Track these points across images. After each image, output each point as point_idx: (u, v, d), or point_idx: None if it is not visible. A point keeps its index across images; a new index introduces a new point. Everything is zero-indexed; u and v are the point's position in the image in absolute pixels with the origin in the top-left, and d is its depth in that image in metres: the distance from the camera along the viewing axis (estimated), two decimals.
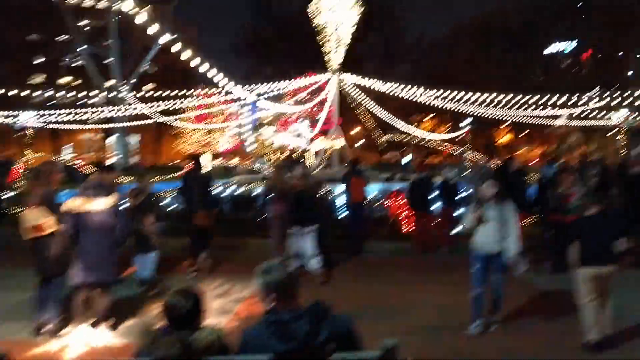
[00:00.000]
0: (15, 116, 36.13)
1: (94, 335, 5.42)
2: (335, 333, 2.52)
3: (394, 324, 5.88)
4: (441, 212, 10.15)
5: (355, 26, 23.15)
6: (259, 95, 21.98)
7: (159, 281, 7.18)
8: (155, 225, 7.30)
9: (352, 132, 43.53)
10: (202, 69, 11.29)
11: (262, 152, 39.23)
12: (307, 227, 7.75)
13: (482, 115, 26.04)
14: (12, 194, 13.94)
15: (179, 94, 23.29)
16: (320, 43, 23.61)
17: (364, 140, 45.98)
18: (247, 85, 21.08)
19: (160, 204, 10.58)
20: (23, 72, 47.36)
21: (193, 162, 8.50)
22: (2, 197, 12.67)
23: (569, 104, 21.17)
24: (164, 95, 22.59)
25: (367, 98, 26.80)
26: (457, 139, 38.08)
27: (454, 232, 9.81)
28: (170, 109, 25.33)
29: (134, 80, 35.63)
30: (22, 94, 19.96)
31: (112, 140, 39.44)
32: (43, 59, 49.18)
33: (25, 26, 43.60)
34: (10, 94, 17.44)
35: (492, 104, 21.76)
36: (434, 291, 7.31)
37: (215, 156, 39.74)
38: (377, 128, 33.61)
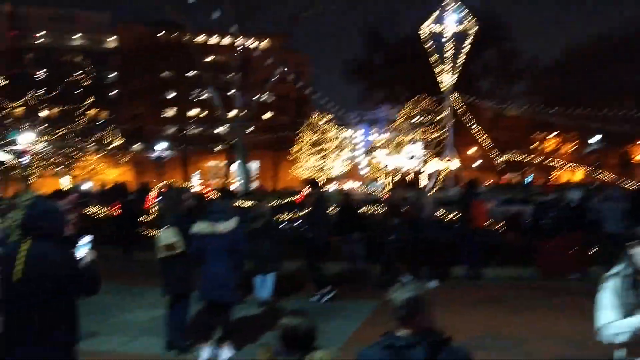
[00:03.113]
0: (151, 147, 39.80)
1: (218, 354, 5.71)
2: None
3: (514, 355, 5.54)
4: (568, 235, 9.44)
5: (469, 46, 22.68)
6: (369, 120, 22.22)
7: (276, 302, 7.42)
8: (275, 247, 7.58)
9: (468, 153, 42.27)
10: (315, 97, 11.65)
11: (376, 175, 39.33)
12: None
13: (614, 131, 24.07)
14: (148, 218, 15.26)
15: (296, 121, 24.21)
16: (433, 65, 23.41)
17: (480, 160, 44.41)
18: (359, 111, 21.40)
19: (279, 227, 10.96)
20: (157, 107, 52.11)
21: (310, 186, 8.71)
22: (140, 222, 13.88)
23: None
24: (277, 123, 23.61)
25: (481, 117, 26.00)
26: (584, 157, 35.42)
27: (583, 256, 9.08)
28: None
29: (253, 109, 37.63)
30: (157, 127, 21.89)
31: (234, 166, 41.93)
32: (174, 94, 53.61)
33: (157, 66, 48.03)
34: (146, 128, 19.37)
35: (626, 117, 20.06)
36: (560, 321, 6.78)
37: (329, 180, 40.54)
38: (495, 148, 32.35)
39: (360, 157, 42.68)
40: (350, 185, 41.41)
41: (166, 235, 5.70)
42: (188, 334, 6.00)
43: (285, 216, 11.83)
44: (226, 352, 5.75)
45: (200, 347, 5.75)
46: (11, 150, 25.99)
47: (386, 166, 37.84)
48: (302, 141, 39.55)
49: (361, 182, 40.86)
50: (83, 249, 3.64)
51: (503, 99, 23.38)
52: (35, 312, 3.33)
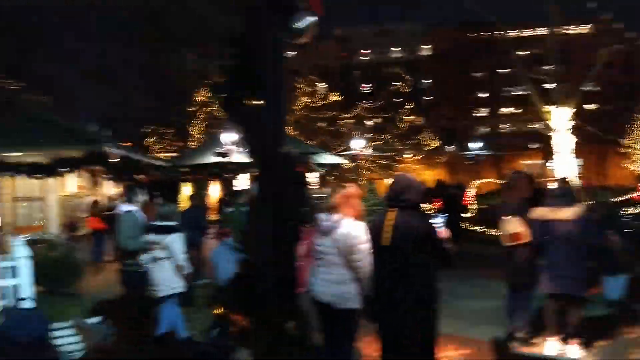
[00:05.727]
0: (465, 148, 40.32)
1: (563, 350, 5.35)
2: None
3: None
4: None
5: None
6: None
7: (629, 305, 6.55)
8: (621, 243, 6.73)
9: None
10: None
11: None
12: None
13: None
14: (467, 215, 15.56)
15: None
16: None
17: None
18: None
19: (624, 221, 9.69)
20: (470, 108, 52.48)
21: None
22: (461, 218, 14.24)
23: None
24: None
25: None
26: None
27: None
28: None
29: (575, 101, 34.41)
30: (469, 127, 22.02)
31: (554, 163, 39.10)
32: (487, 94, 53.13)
33: (469, 66, 48.34)
34: (460, 129, 19.65)
35: None
36: None
37: None
38: None
39: None
40: None
41: (511, 224, 5.60)
42: (530, 326, 5.79)
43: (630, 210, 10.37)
44: (574, 350, 5.34)
45: (547, 341, 5.48)
46: (346, 154, 29.82)
47: None
48: (637, 131, 34.32)
49: None
50: (439, 224, 3.88)
51: None
52: (401, 276, 3.71)
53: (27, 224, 11.21)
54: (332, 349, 4.00)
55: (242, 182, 20.72)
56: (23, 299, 3.79)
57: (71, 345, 3.48)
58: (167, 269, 5.89)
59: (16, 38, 32.20)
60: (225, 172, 18.54)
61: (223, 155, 18.58)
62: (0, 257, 7.62)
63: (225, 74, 2.34)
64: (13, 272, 7.19)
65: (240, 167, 19.53)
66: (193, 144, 33.59)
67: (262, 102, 2.39)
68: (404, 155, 40.61)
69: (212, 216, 14.29)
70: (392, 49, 63.38)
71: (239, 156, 19.36)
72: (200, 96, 34.90)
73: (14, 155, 10.29)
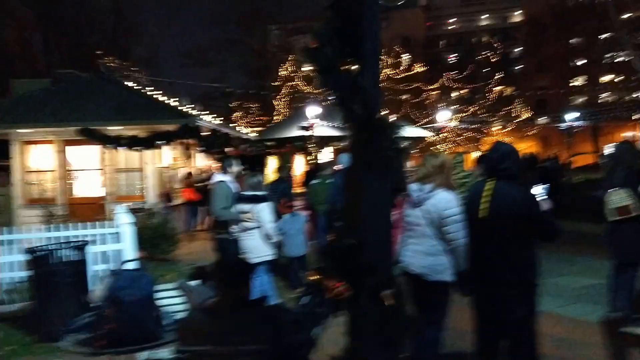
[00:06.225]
0: (559, 118, 38.10)
1: None
2: None
3: None
4: None
5: None
6: None
7: None
8: None
9: None
10: None
11: None
12: None
13: None
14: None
15: None
16: None
17: None
18: None
19: None
20: (565, 77, 49.26)
21: None
22: (560, 192, 13.53)
23: None
24: None
25: None
26: None
27: None
28: None
29: None
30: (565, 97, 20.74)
31: None
32: (584, 61, 49.67)
33: (565, 33, 45.24)
34: (553, 99, 18.46)
35: None
36: None
37: None
38: None
39: None
40: None
41: (618, 197, 5.20)
42: (634, 305, 5.41)
43: None
44: None
45: None
46: (431, 127, 29.14)
47: None
48: None
49: None
50: (540, 195, 3.67)
51: None
52: (499, 249, 3.55)
53: (128, 194, 12.01)
54: (422, 320, 3.95)
55: (326, 155, 20.91)
56: (128, 262, 4.04)
57: (176, 306, 3.68)
58: (256, 237, 6.07)
59: (123, 21, 34.12)
60: (309, 145, 18.76)
61: (307, 128, 18.80)
62: (107, 223, 8.22)
63: (321, 38, 2.30)
64: (117, 237, 7.74)
65: (324, 141, 19.69)
66: (278, 118, 34.25)
67: (358, 66, 2.33)
68: (492, 127, 39.05)
69: (297, 189, 14.53)
70: (480, 16, 60.53)
71: (323, 129, 19.51)
72: (285, 71, 35.36)
73: (115, 129, 10.99)
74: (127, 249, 7.57)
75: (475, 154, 38.49)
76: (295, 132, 19.36)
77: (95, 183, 12.15)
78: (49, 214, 10.62)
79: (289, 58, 35.54)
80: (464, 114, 36.63)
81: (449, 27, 60.46)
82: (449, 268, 3.92)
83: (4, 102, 12.04)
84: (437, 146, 34.66)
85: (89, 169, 12.12)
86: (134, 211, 10.28)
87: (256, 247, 6.06)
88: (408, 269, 4.03)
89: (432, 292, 3.94)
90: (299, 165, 21.57)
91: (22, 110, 11.53)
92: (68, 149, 12.08)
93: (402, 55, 35.99)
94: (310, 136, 18.53)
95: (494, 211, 3.52)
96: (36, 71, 23.98)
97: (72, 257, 6.16)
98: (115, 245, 7.62)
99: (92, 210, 11.48)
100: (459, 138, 37.62)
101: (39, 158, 12.09)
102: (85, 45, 30.16)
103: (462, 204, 3.89)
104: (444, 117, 28.44)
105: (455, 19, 60.98)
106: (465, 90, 40.87)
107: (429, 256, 3.94)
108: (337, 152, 19.91)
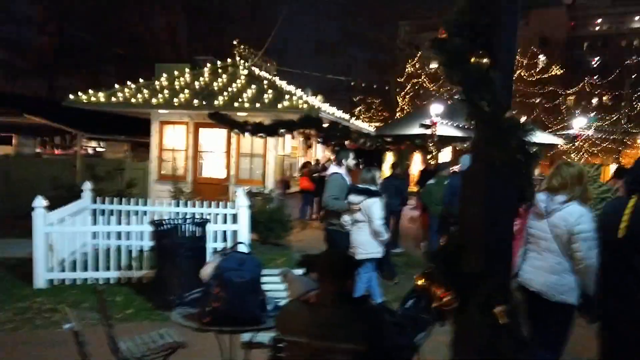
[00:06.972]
0: None
1: None
2: None
3: None
4: None
5: None
6: None
7: None
8: None
9: None
10: None
11: None
12: None
13: None
14: None
15: None
16: None
17: None
18: None
19: None
20: None
21: None
22: None
23: None
24: None
25: None
26: None
27: None
28: None
29: None
30: None
31: None
32: None
33: None
34: None
35: None
36: None
37: None
38: None
39: None
40: None
41: None
42: None
43: None
44: None
45: None
46: (564, 134, 27.05)
47: None
48: None
49: None
50: None
51: None
52: (632, 270, 3.14)
53: (249, 178, 12.53)
54: (538, 343, 3.62)
55: (445, 155, 20.28)
56: (241, 243, 4.15)
57: (278, 292, 3.72)
58: (365, 233, 5.97)
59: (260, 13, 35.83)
60: (429, 144, 18.30)
61: (428, 127, 18.35)
62: (228, 204, 8.64)
63: (452, 28, 2.13)
64: (234, 218, 8.10)
65: (445, 140, 19.09)
66: (399, 114, 33.86)
67: (490, 60, 2.13)
68: (637, 139, 35.35)
69: (413, 187, 14.24)
70: (633, 17, 54.88)
71: (445, 129, 18.91)
72: (412, 67, 34.82)
73: (242, 115, 11.49)
74: (242, 231, 7.89)
75: (613, 167, 35.12)
76: (415, 130, 18.97)
77: (221, 165, 12.82)
78: (177, 190, 11.39)
79: (417, 54, 34.95)
80: (605, 122, 33.55)
81: (596, 28, 55.60)
82: (574, 289, 3.55)
83: (150, 84, 13.08)
84: (571, 154, 32.16)
85: (217, 151, 12.81)
86: (253, 195, 10.72)
87: (365, 243, 5.97)
88: (527, 285, 3.71)
89: (553, 314, 3.60)
90: (416, 163, 21.15)
91: (163, 92, 12.46)
92: (201, 130, 12.88)
93: (539, 56, 33.81)
94: (432, 135, 18.06)
95: (635, 231, 3.10)
96: (180, 57, 25.90)
97: (194, 232, 6.55)
98: (232, 225, 7.98)
99: (216, 191, 12.14)
100: (595, 148, 34.57)
101: (174, 137, 13.02)
102: (224, 33, 31.99)
103: (596, 221, 3.48)
104: (580, 124, 26.20)
105: (601, 19, 55.93)
106: (609, 97, 37.42)
107: (553, 274, 3.59)
108: (456, 154, 19.23)
